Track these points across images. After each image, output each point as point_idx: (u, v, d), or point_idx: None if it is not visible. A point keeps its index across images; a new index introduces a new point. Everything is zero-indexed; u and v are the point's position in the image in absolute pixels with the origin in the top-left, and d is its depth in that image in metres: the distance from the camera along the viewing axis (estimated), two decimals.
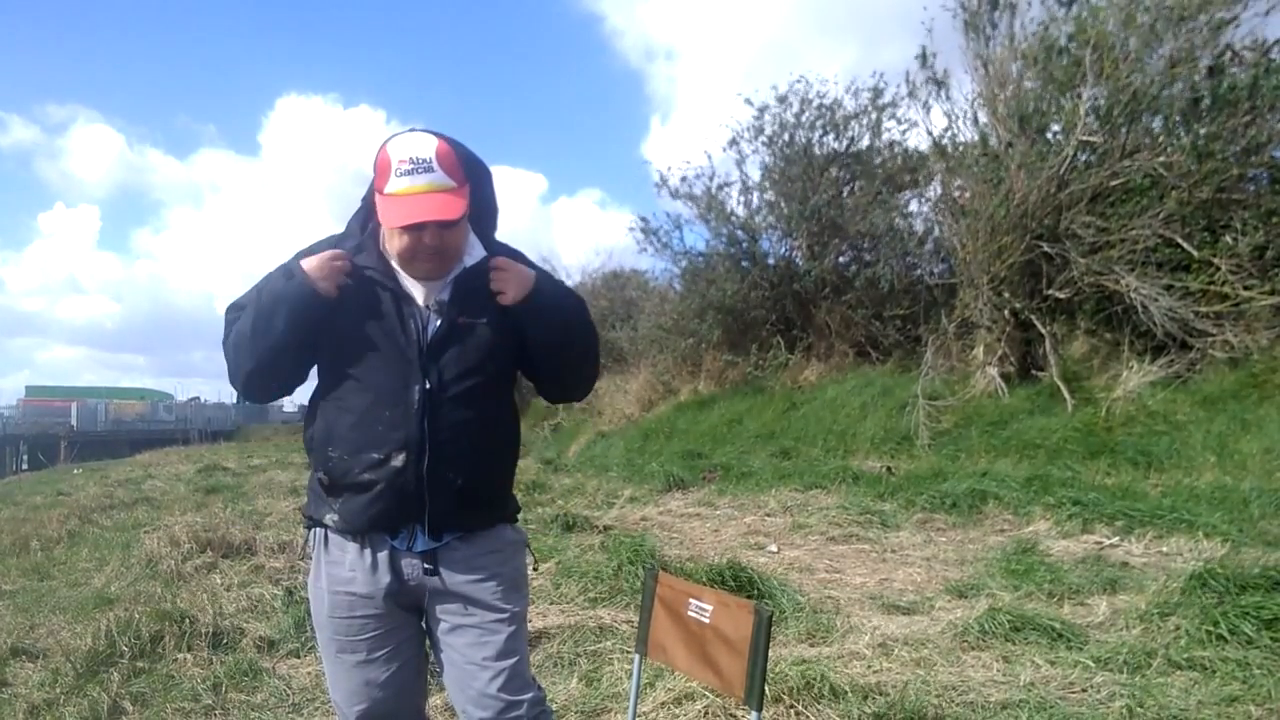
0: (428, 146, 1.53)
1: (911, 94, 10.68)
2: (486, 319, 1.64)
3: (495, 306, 1.65)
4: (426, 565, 1.64)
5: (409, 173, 1.52)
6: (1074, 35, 8.93)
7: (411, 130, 1.57)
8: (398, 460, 1.57)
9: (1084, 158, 8.95)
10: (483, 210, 1.71)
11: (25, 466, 29.28)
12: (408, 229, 1.53)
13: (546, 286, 1.69)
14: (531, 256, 1.80)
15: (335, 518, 1.64)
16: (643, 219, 15.12)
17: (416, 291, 1.62)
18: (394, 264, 1.63)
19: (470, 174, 1.61)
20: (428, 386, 1.58)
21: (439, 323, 1.61)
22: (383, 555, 1.63)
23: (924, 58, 10.19)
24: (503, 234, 1.79)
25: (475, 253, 1.67)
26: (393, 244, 1.59)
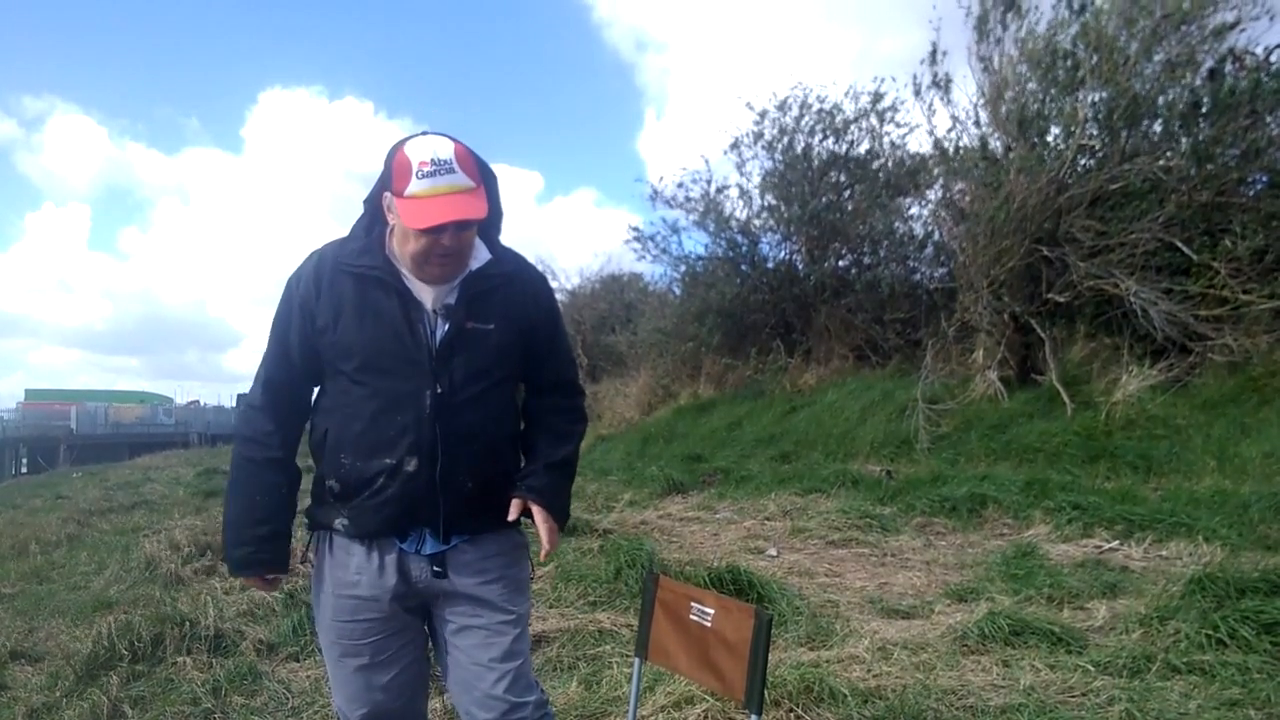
0: (446, 148, 1.54)
1: (918, 94, 10.64)
2: (494, 324, 1.64)
3: (502, 311, 1.65)
4: (435, 568, 1.63)
5: (431, 174, 1.51)
6: (1079, 38, 8.94)
7: (424, 134, 1.57)
8: (410, 465, 1.57)
9: (1084, 161, 8.96)
10: (490, 214, 1.73)
11: (25, 470, 29.31)
12: (429, 231, 1.52)
13: (561, 504, 1.73)
14: (528, 259, 1.81)
15: (345, 522, 1.63)
16: (635, 229, 15.11)
17: (424, 296, 1.62)
18: (401, 268, 1.62)
19: (484, 177, 1.63)
20: (439, 391, 1.58)
21: (447, 327, 1.61)
22: (390, 558, 1.63)
23: (934, 56, 10.14)
24: (501, 236, 1.79)
25: (480, 255, 1.67)
26: (408, 246, 1.57)
